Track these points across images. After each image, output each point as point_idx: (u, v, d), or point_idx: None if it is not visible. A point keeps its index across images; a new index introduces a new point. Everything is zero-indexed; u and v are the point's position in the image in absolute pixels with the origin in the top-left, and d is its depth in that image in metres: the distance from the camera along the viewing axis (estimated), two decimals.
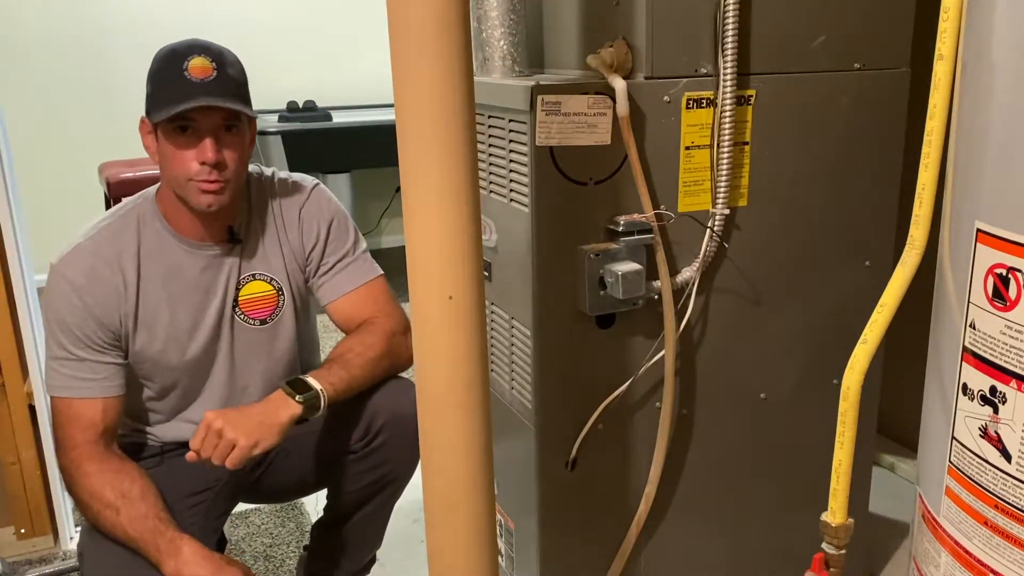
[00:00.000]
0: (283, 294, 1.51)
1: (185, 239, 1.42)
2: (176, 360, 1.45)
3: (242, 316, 1.48)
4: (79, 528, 2.05)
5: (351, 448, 1.50)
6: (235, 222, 1.45)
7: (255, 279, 1.48)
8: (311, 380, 1.37)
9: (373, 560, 1.70)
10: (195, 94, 1.30)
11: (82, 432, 1.35)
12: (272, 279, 1.49)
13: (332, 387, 1.38)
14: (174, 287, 1.42)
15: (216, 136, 1.33)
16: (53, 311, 1.37)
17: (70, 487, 1.36)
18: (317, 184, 1.55)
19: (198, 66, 1.32)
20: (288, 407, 1.33)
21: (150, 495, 1.34)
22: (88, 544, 1.36)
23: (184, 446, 1.53)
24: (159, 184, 1.45)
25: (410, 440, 1.56)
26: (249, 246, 1.47)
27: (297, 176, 1.55)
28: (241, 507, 1.85)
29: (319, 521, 1.66)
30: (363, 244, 1.57)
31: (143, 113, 1.37)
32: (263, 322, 1.50)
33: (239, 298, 1.47)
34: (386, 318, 1.51)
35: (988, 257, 0.91)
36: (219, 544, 1.56)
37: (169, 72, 1.32)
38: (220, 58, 1.34)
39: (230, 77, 1.34)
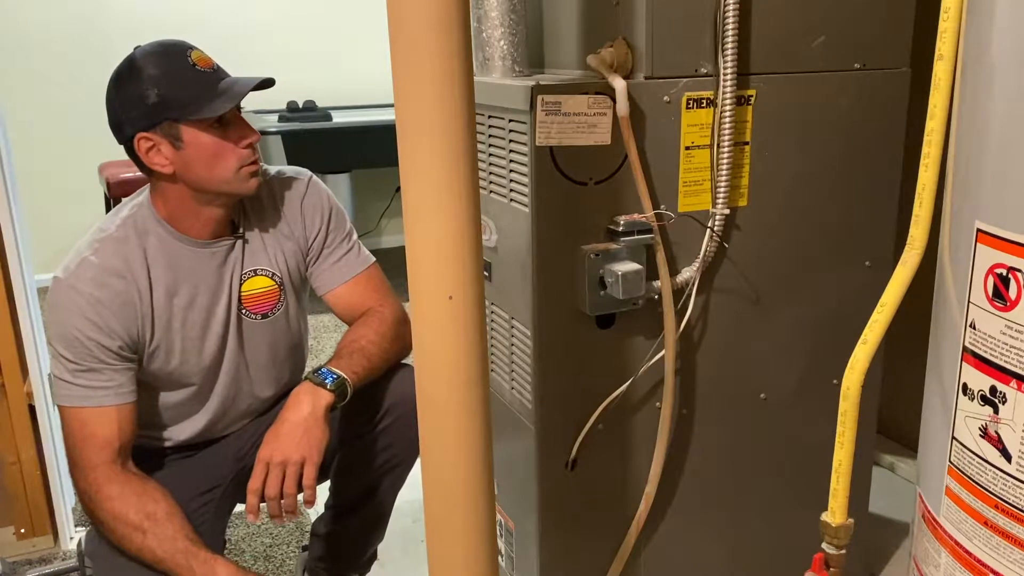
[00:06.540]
0: (284, 287, 1.51)
1: (192, 239, 1.41)
2: (194, 364, 1.45)
3: (246, 312, 1.48)
4: (79, 528, 2.05)
5: (357, 434, 1.50)
6: (237, 216, 1.46)
7: (256, 274, 1.48)
8: (335, 368, 1.38)
9: (374, 556, 1.70)
10: (230, 84, 1.31)
11: (98, 452, 1.31)
12: (273, 273, 1.49)
13: (355, 375, 1.39)
14: (185, 291, 1.41)
15: (240, 119, 1.36)
16: (63, 325, 1.32)
17: (92, 511, 1.32)
18: (311, 176, 1.56)
19: (202, 58, 1.32)
20: (320, 396, 1.34)
21: (176, 516, 1.31)
22: (98, 552, 1.35)
23: (194, 447, 1.53)
24: (147, 191, 1.42)
25: (414, 423, 1.58)
26: (250, 241, 1.47)
27: (290, 169, 1.55)
28: (241, 507, 1.84)
29: (321, 518, 1.65)
30: (355, 232, 1.58)
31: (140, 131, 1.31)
32: (265, 316, 1.50)
33: (242, 294, 1.47)
34: (389, 307, 1.52)
35: (988, 257, 0.91)
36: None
37: (179, 73, 1.30)
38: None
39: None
